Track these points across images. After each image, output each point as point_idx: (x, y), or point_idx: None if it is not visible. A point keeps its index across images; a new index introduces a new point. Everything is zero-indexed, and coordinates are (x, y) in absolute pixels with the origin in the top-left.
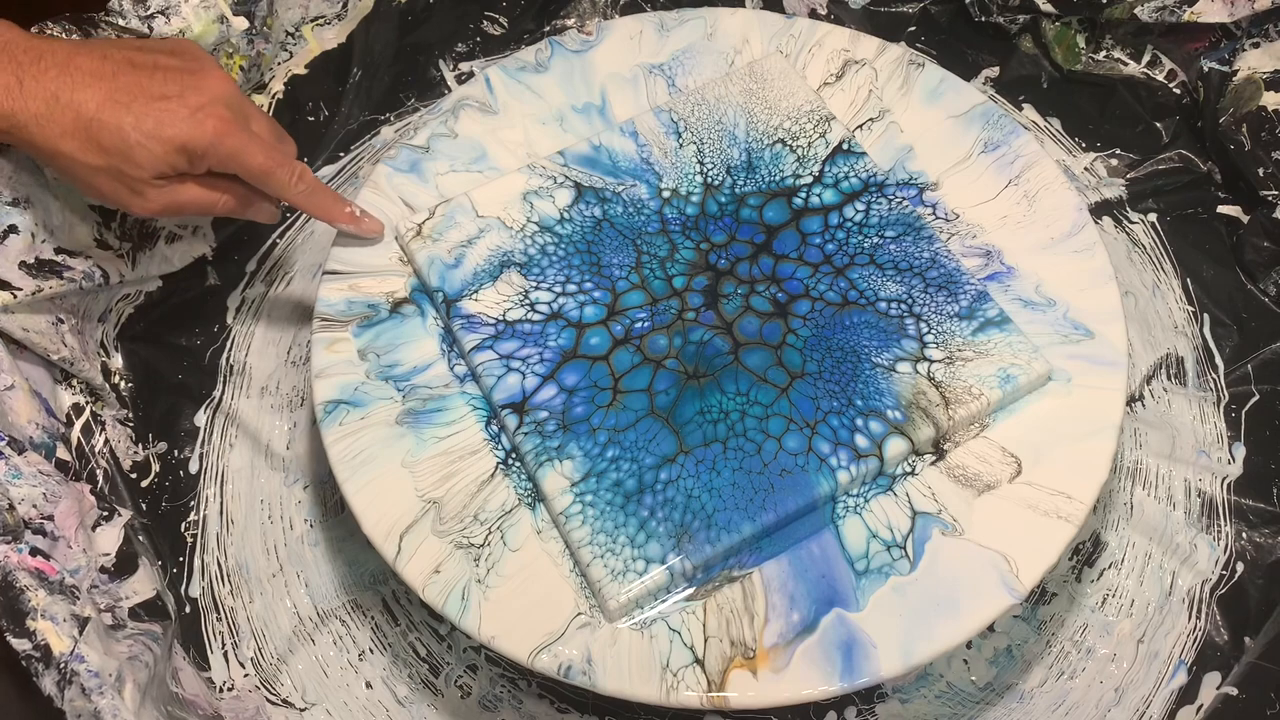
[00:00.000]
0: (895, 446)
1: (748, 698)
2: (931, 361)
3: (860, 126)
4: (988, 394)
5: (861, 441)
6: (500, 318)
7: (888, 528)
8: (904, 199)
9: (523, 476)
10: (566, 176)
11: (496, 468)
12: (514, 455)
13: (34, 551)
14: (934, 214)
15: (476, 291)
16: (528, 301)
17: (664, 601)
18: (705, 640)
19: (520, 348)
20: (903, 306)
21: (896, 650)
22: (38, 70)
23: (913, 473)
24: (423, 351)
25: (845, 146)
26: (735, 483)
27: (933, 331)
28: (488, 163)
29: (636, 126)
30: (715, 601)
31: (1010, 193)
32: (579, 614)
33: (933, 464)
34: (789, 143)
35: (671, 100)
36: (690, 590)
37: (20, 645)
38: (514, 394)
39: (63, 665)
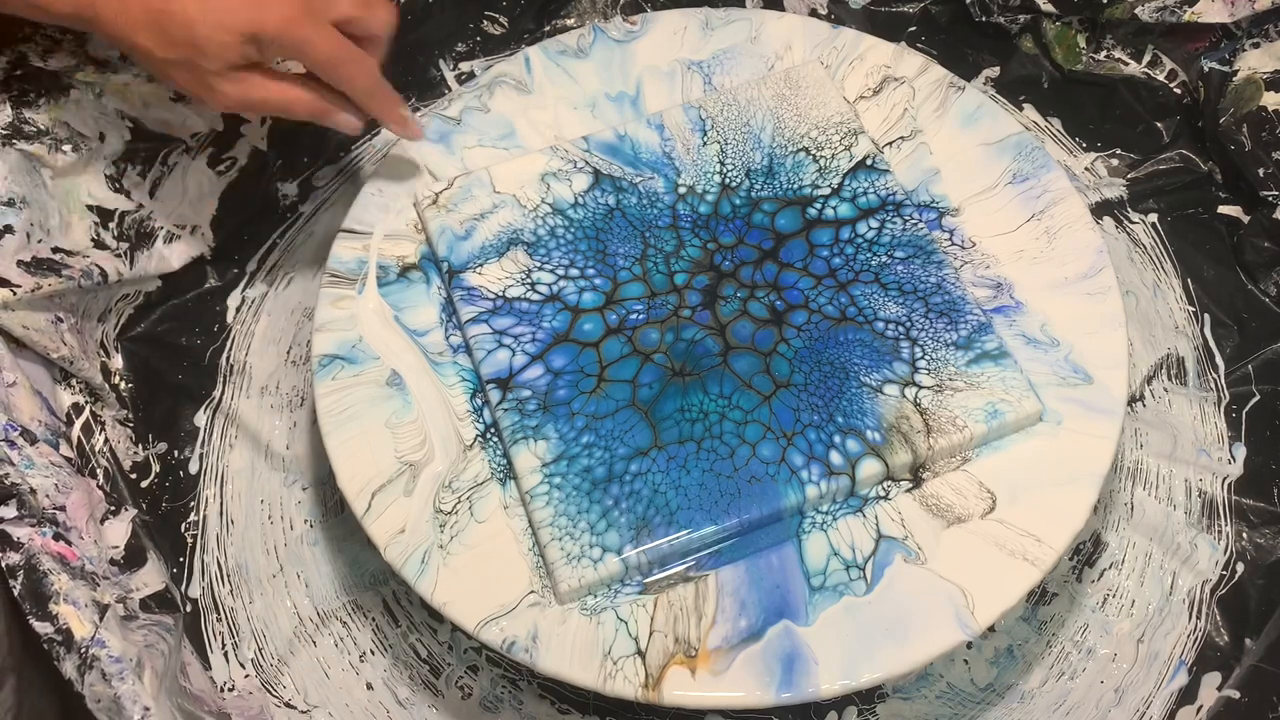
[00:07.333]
0: (869, 468)
1: (681, 696)
2: (920, 387)
3: (890, 144)
4: (972, 427)
5: (836, 459)
6: (500, 294)
7: (850, 547)
8: (920, 221)
9: (498, 451)
10: (587, 162)
11: (475, 439)
12: (493, 429)
13: (56, 536)
14: (950, 240)
15: (481, 265)
16: (529, 281)
17: (617, 591)
18: (650, 634)
19: (514, 325)
20: (900, 328)
21: (838, 669)
22: None
23: (886, 497)
24: (423, 318)
25: (869, 162)
26: (703, 483)
27: (926, 357)
28: (515, 140)
29: (664, 120)
30: (667, 598)
31: (1031, 227)
32: (531, 592)
33: (907, 491)
34: (813, 152)
35: (702, 98)
36: (644, 584)
37: (43, 628)
38: (501, 370)
39: (84, 650)
